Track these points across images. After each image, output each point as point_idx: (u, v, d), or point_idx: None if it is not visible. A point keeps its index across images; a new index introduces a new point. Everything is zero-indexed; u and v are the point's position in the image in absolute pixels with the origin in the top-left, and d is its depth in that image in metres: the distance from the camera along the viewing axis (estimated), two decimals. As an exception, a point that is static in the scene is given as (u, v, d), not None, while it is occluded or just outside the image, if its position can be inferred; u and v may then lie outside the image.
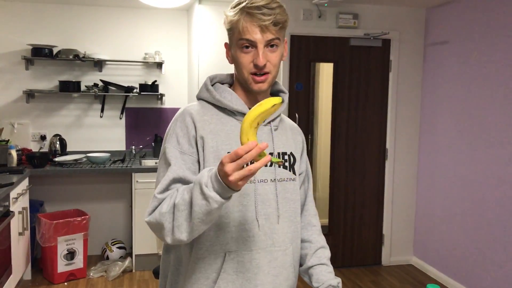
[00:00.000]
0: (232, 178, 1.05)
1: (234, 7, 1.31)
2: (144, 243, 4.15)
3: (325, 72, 4.70)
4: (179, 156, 1.29)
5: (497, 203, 3.53)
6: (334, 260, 4.38)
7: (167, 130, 1.37)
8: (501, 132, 3.50)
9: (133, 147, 4.58)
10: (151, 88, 4.48)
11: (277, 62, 1.31)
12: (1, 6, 4.26)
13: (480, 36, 3.70)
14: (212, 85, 1.41)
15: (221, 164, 1.07)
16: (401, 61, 4.40)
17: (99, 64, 4.46)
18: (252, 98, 1.37)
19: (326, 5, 4.11)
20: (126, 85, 4.49)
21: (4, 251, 3.24)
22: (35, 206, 4.16)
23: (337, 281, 1.43)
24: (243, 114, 1.35)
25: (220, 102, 1.35)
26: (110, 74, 4.52)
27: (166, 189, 1.25)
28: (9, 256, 3.35)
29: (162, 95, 4.58)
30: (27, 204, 3.88)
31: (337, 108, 4.34)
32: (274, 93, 1.47)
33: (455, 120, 3.99)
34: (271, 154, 1.36)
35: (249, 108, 1.36)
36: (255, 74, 1.30)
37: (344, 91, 4.34)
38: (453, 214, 4.00)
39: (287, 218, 1.39)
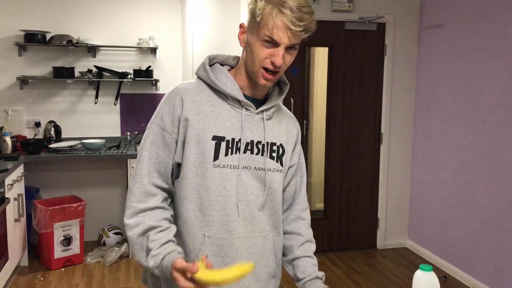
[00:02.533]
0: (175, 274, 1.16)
1: None
2: (141, 228, 4.16)
3: (320, 56, 4.67)
4: (159, 133, 1.32)
5: (490, 186, 3.55)
6: (329, 244, 4.43)
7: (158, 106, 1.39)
8: (495, 116, 3.51)
9: (128, 133, 4.57)
10: (145, 74, 4.46)
11: (290, 63, 1.31)
12: (-8, -8, 4.21)
13: (475, 19, 3.69)
14: (212, 65, 1.39)
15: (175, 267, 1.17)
16: (396, 44, 4.38)
17: (92, 50, 4.43)
18: (253, 85, 1.35)
19: (320, -12, 4.08)
20: (120, 70, 4.46)
21: (0, 238, 3.25)
22: (31, 193, 4.16)
23: (322, 273, 1.45)
24: (235, 100, 1.34)
25: (214, 83, 1.34)
26: (104, 60, 4.49)
27: (147, 193, 1.31)
28: (6, 242, 3.37)
29: (156, 80, 4.55)
30: (22, 191, 3.88)
31: (332, 93, 4.33)
32: (276, 82, 1.44)
33: (449, 104, 4.00)
34: (259, 142, 1.36)
35: (244, 95, 1.34)
36: (266, 69, 1.28)
37: (339, 75, 4.33)
38: (447, 197, 4.03)
39: (269, 206, 1.39)
